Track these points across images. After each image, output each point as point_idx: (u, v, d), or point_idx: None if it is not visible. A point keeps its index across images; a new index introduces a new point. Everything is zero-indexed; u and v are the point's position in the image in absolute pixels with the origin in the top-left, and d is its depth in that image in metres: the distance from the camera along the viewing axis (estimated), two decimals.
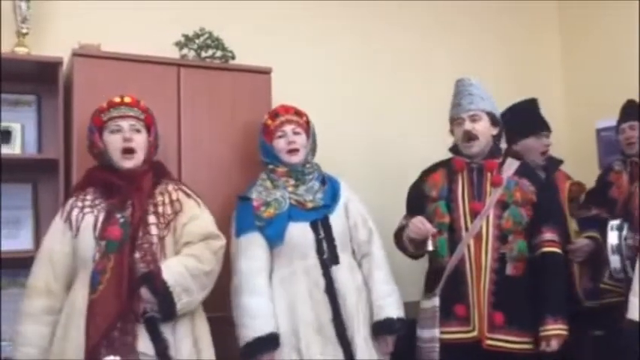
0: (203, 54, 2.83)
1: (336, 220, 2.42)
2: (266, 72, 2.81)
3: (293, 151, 2.43)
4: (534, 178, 2.59)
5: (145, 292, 2.03)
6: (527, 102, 3.20)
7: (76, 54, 2.47)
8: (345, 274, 2.37)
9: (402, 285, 2.53)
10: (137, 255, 2.06)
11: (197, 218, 2.21)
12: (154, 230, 2.12)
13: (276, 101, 2.76)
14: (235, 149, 2.71)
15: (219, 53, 2.85)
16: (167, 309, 2.04)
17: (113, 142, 2.16)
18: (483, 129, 2.55)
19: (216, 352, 2.21)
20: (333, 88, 3.28)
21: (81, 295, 2.04)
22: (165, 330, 2.06)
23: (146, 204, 2.13)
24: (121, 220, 2.08)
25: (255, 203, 2.37)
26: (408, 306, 2.53)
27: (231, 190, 2.61)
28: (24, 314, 2.08)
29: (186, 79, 2.65)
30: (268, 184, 2.43)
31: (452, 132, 2.66)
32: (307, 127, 2.51)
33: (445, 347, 2.41)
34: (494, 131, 2.60)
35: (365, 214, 2.52)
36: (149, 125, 2.26)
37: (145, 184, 2.18)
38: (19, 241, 2.56)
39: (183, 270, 2.09)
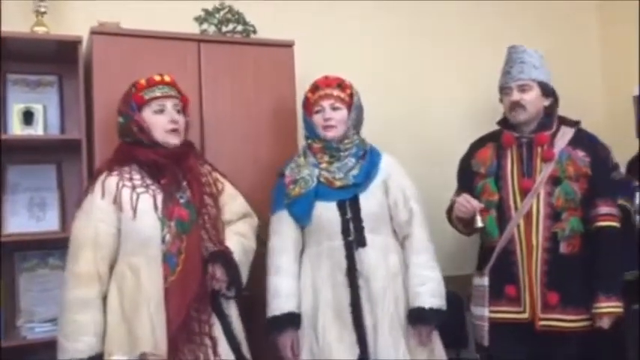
0: (224, 29, 2.78)
1: (368, 199, 2.27)
2: (288, 45, 2.73)
3: (329, 127, 2.31)
4: (590, 148, 2.44)
5: (219, 270, 2.06)
6: None
7: (94, 32, 2.43)
8: (373, 257, 2.23)
9: (450, 259, 2.48)
10: (204, 235, 2.07)
11: (236, 197, 2.27)
12: (211, 210, 2.13)
13: (300, 75, 2.70)
14: (259, 125, 2.66)
15: (240, 27, 2.80)
16: (237, 287, 2.11)
17: (158, 123, 2.11)
18: (532, 99, 2.44)
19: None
20: (358, 60, 3.19)
21: (145, 278, 2.00)
22: (227, 310, 2.13)
23: (201, 184, 2.14)
24: (182, 201, 2.07)
25: (287, 180, 2.31)
26: (458, 280, 2.47)
27: (255, 168, 2.59)
28: (79, 302, 1.98)
29: (207, 55, 2.59)
30: (301, 160, 2.34)
31: (501, 101, 2.56)
32: (350, 101, 2.35)
33: (495, 326, 2.37)
34: (546, 102, 2.49)
35: (408, 192, 2.32)
36: (185, 105, 2.23)
37: (192, 164, 2.16)
38: (45, 222, 2.57)
39: (240, 249, 2.14)
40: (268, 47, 2.71)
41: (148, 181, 2.09)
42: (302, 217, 2.26)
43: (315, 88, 2.37)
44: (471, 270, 2.56)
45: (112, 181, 2.07)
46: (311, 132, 2.36)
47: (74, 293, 1.99)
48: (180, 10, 2.79)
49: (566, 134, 2.45)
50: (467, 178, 2.53)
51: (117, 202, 2.04)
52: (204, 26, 2.77)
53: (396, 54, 3.34)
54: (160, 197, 2.06)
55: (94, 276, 2.00)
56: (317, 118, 2.33)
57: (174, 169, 2.11)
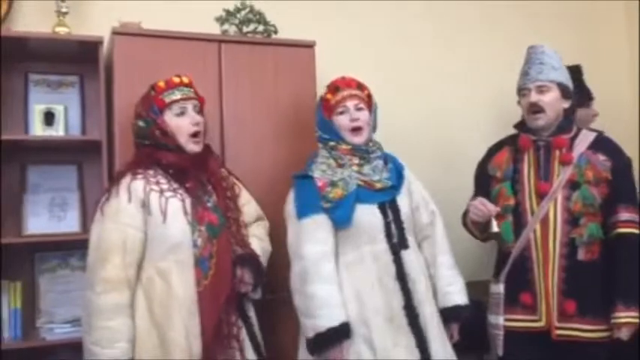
0: (245, 29, 2.76)
1: (402, 201, 2.24)
2: (309, 45, 2.71)
3: (356, 130, 2.23)
4: (611, 152, 2.35)
5: (247, 274, 2.09)
6: (573, 69, 2.97)
7: (115, 32, 2.42)
8: (413, 258, 2.21)
9: (467, 264, 2.43)
10: (231, 238, 2.10)
11: (250, 200, 2.29)
12: (235, 213, 2.15)
13: (321, 76, 2.67)
14: (279, 126, 2.63)
15: (261, 28, 2.78)
16: (262, 289, 2.14)
17: (181, 126, 2.08)
18: (552, 101, 2.36)
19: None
20: (380, 61, 3.16)
21: (176, 283, 1.97)
22: (250, 313, 2.17)
23: (224, 187, 2.15)
24: (209, 205, 2.07)
25: (319, 183, 2.18)
26: (474, 286, 2.44)
27: (275, 170, 2.55)
28: (111, 308, 1.93)
29: (228, 55, 2.57)
30: (332, 162, 2.23)
31: (519, 103, 2.49)
32: (369, 102, 2.31)
33: (510, 335, 2.31)
34: (566, 104, 2.41)
35: (426, 196, 2.36)
36: (202, 106, 2.20)
37: (214, 167, 2.16)
38: (66, 223, 2.56)
39: (261, 251, 2.19)
40: (289, 47, 2.68)
41: (175, 185, 2.06)
42: (344, 221, 2.15)
43: (335, 89, 2.30)
44: (488, 276, 2.50)
45: (138, 184, 2.02)
46: (333, 134, 2.27)
47: (104, 299, 1.93)
48: (202, 10, 2.77)
49: (586, 138, 2.38)
50: (483, 182, 2.46)
51: (145, 205, 2.00)
52: (225, 26, 2.75)
53: (417, 55, 3.30)
54: (188, 201, 2.04)
55: (123, 281, 1.96)
56: (341, 120, 2.26)
57: (197, 172, 2.10)
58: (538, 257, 2.29)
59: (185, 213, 2.01)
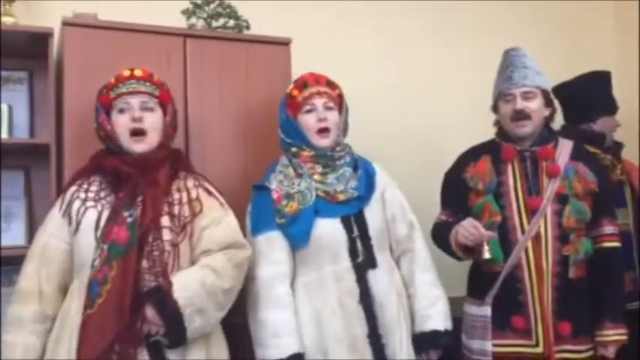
0: (214, 23, 2.59)
1: (372, 213, 2.06)
2: (284, 43, 2.53)
3: (323, 132, 2.07)
4: (591, 162, 2.28)
5: (150, 311, 1.72)
6: (603, 75, 2.84)
7: (66, 23, 2.20)
8: (383, 279, 2.02)
9: (444, 279, 2.24)
10: (145, 264, 1.76)
11: (220, 222, 1.90)
12: (166, 235, 1.81)
13: (296, 76, 2.46)
14: (250, 129, 2.45)
15: (231, 22, 2.61)
16: (176, 333, 1.74)
17: (121, 123, 1.88)
18: (538, 108, 2.21)
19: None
20: (359, 61, 2.99)
21: (74, 306, 1.77)
22: (173, 357, 1.77)
23: (160, 202, 1.84)
24: (129, 220, 1.79)
25: (275, 195, 2.01)
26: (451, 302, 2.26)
27: (245, 178, 2.36)
28: (12, 321, 1.79)
29: (194, 52, 2.39)
30: (290, 171, 2.06)
31: (494, 109, 2.32)
32: (340, 102, 2.15)
33: None
34: (547, 112, 2.27)
35: (405, 205, 2.17)
36: (165, 103, 1.97)
37: (160, 177, 1.88)
38: (10, 235, 2.32)
39: (198, 287, 1.77)
40: (262, 44, 2.51)
41: (103, 194, 1.85)
42: (300, 238, 1.98)
43: (302, 84, 2.13)
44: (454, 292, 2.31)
45: (68, 192, 1.88)
46: (297, 137, 2.10)
47: (10, 311, 1.81)
48: (167, 2, 2.58)
49: (566, 147, 2.26)
50: (459, 194, 2.27)
51: (66, 215, 1.85)
52: (192, 20, 2.56)
53: (404, 55, 3.14)
54: (105, 214, 1.81)
55: (32, 293, 1.79)
56: (308, 119, 2.08)
57: (137, 180, 1.85)
58: (531, 278, 2.14)
59: (96, 227, 1.79)
